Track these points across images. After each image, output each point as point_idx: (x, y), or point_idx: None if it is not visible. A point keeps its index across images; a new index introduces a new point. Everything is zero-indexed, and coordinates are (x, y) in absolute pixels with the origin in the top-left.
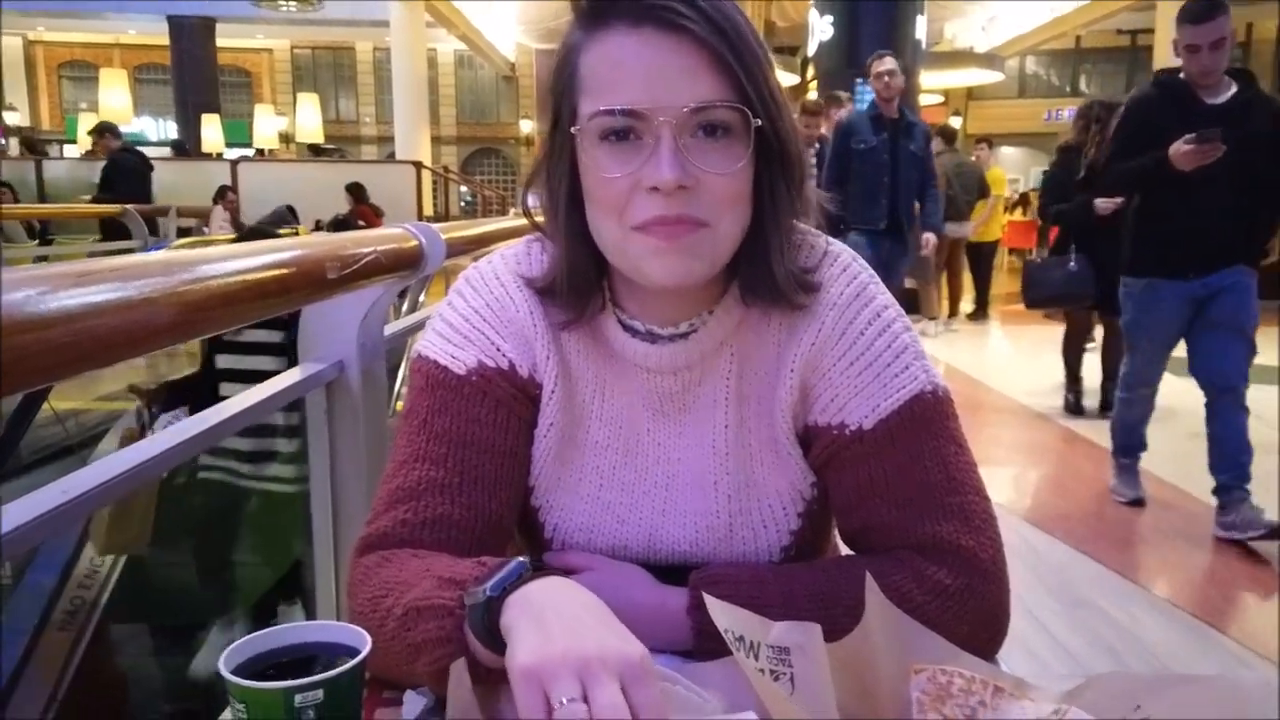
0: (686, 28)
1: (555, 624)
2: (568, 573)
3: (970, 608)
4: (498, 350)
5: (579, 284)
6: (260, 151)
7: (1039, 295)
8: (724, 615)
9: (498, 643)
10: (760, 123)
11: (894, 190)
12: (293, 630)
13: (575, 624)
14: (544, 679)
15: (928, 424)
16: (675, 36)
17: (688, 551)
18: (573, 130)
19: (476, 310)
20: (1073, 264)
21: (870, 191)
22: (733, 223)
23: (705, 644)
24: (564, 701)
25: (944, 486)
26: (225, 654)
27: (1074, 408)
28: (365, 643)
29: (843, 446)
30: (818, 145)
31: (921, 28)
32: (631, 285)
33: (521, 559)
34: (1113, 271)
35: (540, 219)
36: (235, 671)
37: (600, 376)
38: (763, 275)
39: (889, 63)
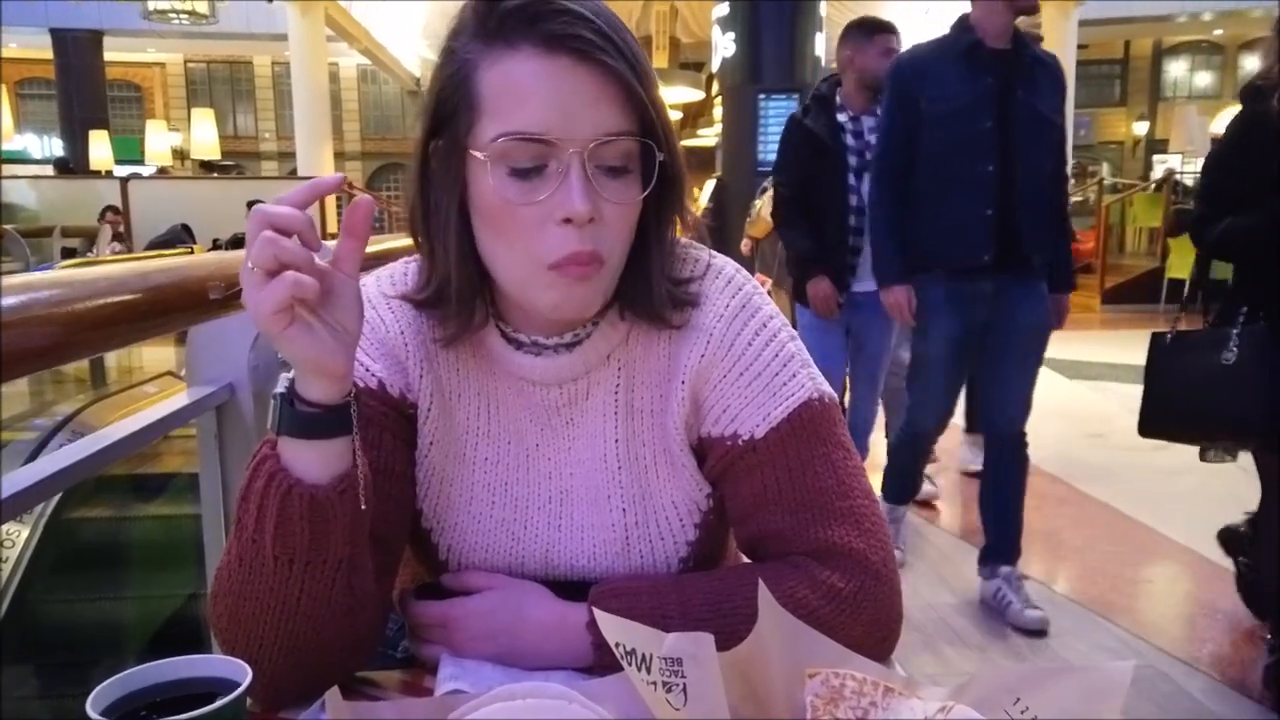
0: (599, 59)
1: None
2: (466, 593)
3: (865, 610)
4: (366, 370)
5: (466, 300)
6: (162, 169)
7: (1152, 412)
8: (615, 629)
9: (310, 424)
10: (664, 156)
11: (1008, 188)
12: (167, 666)
13: None
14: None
15: (816, 430)
16: (587, 66)
17: (586, 566)
18: (479, 154)
19: None
20: (1230, 351)
21: (962, 192)
22: (624, 253)
23: (605, 659)
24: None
25: (835, 491)
26: (93, 694)
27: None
28: (245, 675)
29: (736, 457)
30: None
31: (821, 45)
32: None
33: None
34: None
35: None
36: (105, 713)
37: (483, 392)
38: (641, 293)
39: None
